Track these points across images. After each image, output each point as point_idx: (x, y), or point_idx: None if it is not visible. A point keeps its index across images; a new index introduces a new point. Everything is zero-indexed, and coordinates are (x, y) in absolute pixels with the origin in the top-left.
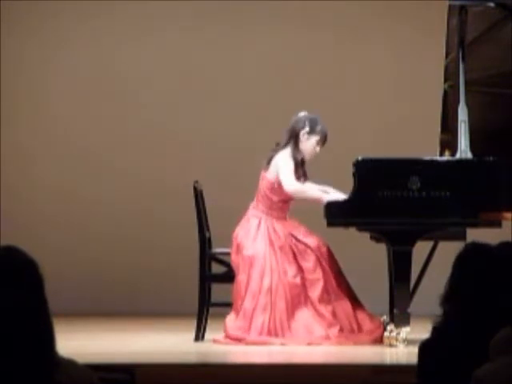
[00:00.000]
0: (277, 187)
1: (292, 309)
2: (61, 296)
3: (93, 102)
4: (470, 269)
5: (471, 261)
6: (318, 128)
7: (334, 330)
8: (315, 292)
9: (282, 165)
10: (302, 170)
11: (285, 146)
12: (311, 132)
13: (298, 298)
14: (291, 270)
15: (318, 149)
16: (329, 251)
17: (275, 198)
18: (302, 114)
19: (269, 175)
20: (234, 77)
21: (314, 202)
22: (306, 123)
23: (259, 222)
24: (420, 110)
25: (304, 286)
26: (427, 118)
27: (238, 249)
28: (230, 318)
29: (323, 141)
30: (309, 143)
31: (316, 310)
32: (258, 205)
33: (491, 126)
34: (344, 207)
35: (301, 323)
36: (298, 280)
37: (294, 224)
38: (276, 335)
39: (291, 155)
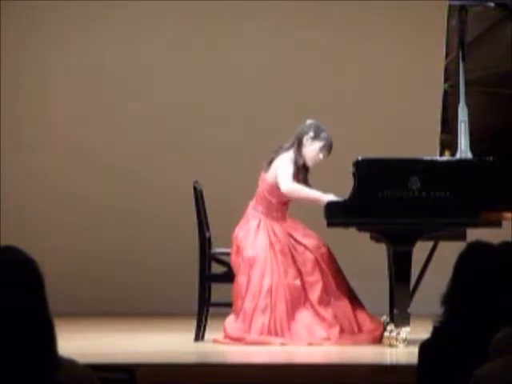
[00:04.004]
0: (276, 189)
1: (292, 310)
2: (61, 296)
3: (93, 102)
4: (472, 268)
5: (473, 260)
6: (323, 135)
7: (335, 331)
8: (315, 294)
9: (282, 166)
10: (302, 175)
11: (288, 149)
12: (315, 137)
13: (298, 299)
14: (291, 271)
15: (321, 156)
16: (328, 252)
17: (274, 200)
18: (309, 121)
19: (268, 177)
20: (234, 77)
21: (311, 202)
22: (311, 129)
23: (258, 224)
24: (420, 110)
25: (304, 288)
26: (427, 118)
27: (238, 250)
28: (230, 320)
29: (328, 149)
30: (311, 148)
31: (316, 311)
32: (257, 206)
33: (491, 126)
34: (344, 207)
35: (301, 324)
36: (298, 282)
37: (293, 224)
38: (276, 336)
39: (292, 159)
